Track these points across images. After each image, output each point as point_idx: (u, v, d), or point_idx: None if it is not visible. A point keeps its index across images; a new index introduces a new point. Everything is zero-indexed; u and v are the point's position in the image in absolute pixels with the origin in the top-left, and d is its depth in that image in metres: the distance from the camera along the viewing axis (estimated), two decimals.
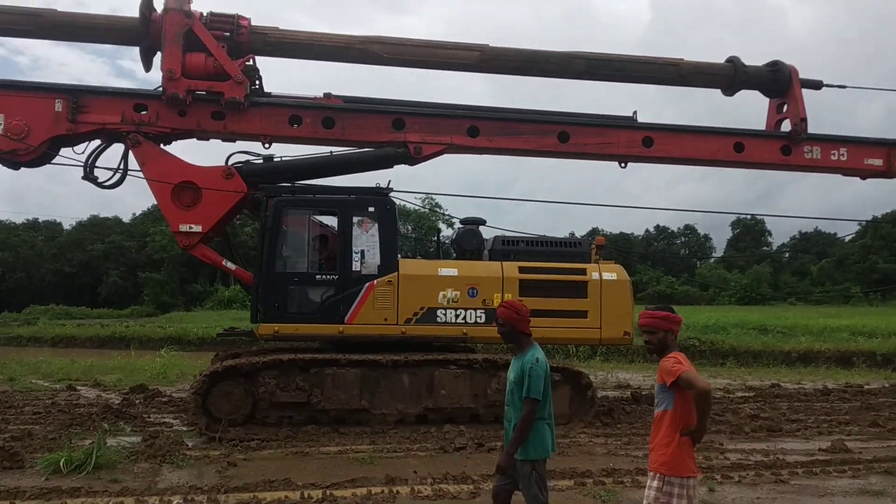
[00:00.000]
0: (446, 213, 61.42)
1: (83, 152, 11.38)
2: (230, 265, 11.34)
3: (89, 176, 11.43)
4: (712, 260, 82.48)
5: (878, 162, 12.88)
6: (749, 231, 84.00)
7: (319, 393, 10.09)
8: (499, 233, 11.93)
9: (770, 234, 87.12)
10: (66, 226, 76.32)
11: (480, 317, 10.78)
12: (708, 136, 12.48)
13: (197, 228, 10.99)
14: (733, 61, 12.79)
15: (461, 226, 11.87)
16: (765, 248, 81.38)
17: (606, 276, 11.19)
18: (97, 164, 11.46)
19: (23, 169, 11.48)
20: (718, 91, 13.10)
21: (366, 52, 11.94)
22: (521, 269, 11.05)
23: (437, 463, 8.70)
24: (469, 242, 11.50)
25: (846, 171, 13.08)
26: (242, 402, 10.01)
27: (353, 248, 10.59)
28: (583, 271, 11.19)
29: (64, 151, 11.24)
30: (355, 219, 10.67)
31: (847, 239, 74.84)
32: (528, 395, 4.96)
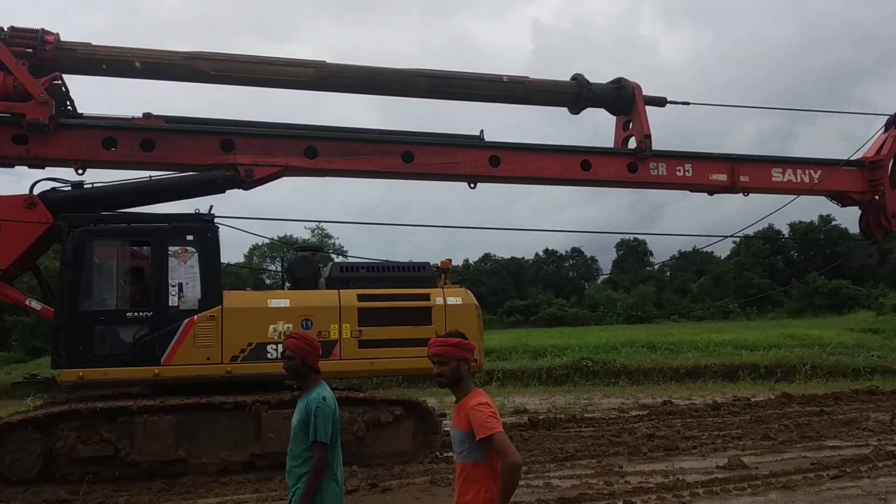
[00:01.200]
0: (339, 245, 60.19)
1: None
2: (35, 304, 10.12)
3: None
4: (599, 281, 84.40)
5: (722, 177, 12.96)
6: (632, 252, 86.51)
7: (128, 444, 9.01)
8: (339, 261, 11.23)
9: (652, 255, 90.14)
10: None
11: None
12: (555, 155, 12.23)
13: None
14: (577, 79, 12.64)
15: (295, 253, 11.09)
16: (647, 267, 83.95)
17: (451, 300, 10.63)
18: None
19: None
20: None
21: (190, 70, 11.10)
22: (361, 297, 10.36)
23: None
24: (303, 270, 10.72)
25: (693, 186, 13.11)
26: (35, 459, 8.81)
27: (170, 282, 9.62)
28: (426, 296, 10.61)
29: None
30: (171, 249, 9.72)
31: (723, 257, 78.07)
32: (314, 440, 4.23)
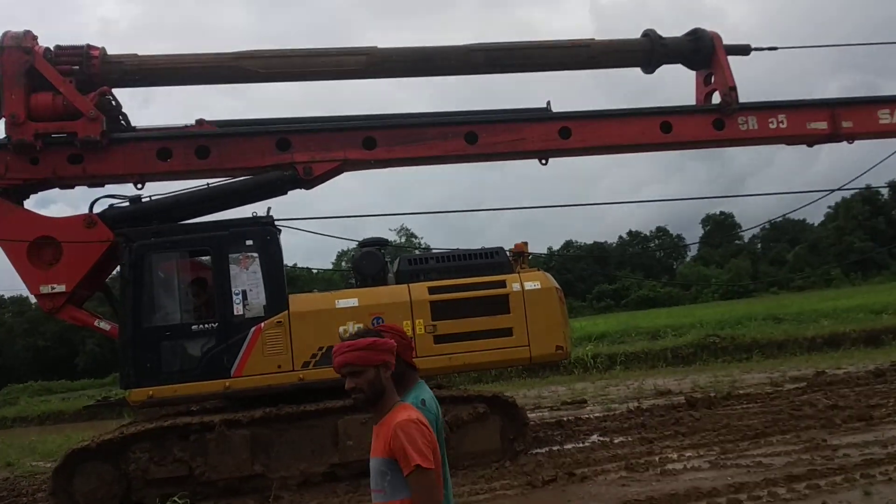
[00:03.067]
0: (425, 244, 59.94)
1: None
2: (104, 325, 9.89)
3: None
4: (689, 258, 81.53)
5: (822, 125, 11.66)
6: (719, 226, 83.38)
7: (203, 462, 8.63)
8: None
9: (740, 227, 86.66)
10: (33, 300, 74.26)
11: None
12: (631, 119, 11.26)
13: (60, 288, 9.61)
14: (648, 35, 11.63)
15: (360, 249, 10.54)
16: (737, 241, 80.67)
17: (529, 285, 9.87)
18: None
19: None
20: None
21: (239, 70, 10.69)
22: (432, 290, 9.72)
23: None
24: (369, 266, 10.13)
25: (789, 138, 11.87)
26: (113, 485, 8.53)
27: (233, 290, 9.22)
28: (502, 283, 9.88)
29: None
30: (232, 255, 9.31)
31: (817, 224, 74.15)
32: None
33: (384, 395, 3.11)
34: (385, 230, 58.97)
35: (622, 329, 28.25)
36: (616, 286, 68.65)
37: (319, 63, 10.88)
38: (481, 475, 9.04)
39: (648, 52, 11.50)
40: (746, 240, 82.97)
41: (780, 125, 11.57)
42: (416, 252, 10.76)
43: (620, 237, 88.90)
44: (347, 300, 9.59)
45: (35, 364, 64.86)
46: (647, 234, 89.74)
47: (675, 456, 9.24)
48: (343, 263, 60.23)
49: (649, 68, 11.79)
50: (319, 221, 11.89)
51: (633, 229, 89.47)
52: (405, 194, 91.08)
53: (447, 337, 9.56)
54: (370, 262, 10.16)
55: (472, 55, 11.05)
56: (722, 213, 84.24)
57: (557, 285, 10.16)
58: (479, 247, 10.76)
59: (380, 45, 11.04)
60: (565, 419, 13.16)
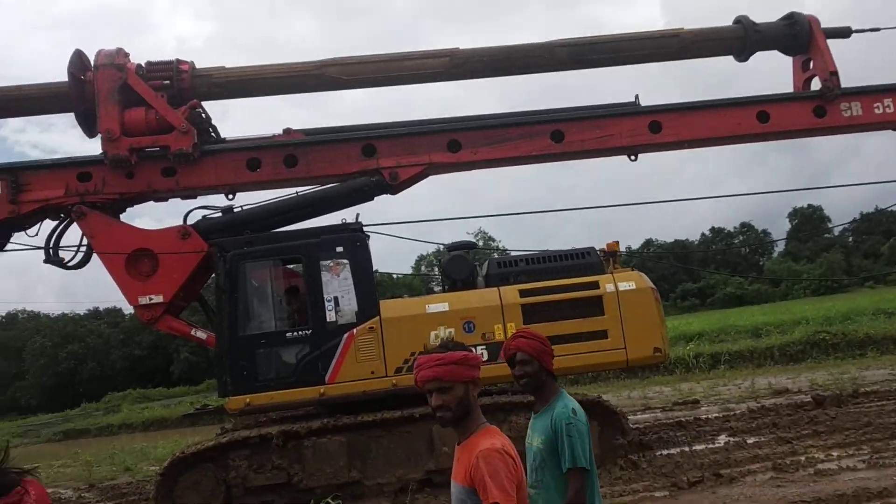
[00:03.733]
0: (503, 247, 59.70)
1: (36, 234, 10.44)
2: (200, 334, 10.09)
3: (52, 258, 10.42)
4: (776, 254, 78.55)
5: None
6: (807, 220, 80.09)
7: (301, 470, 8.65)
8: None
9: (830, 220, 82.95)
10: (127, 310, 77.36)
11: (482, 354, 9.22)
12: (725, 110, 10.81)
13: (158, 299, 9.82)
14: (742, 21, 11.15)
15: (448, 253, 10.41)
16: (826, 234, 77.20)
17: (624, 285, 9.55)
18: (63, 243, 10.54)
19: None
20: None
21: (323, 78, 10.75)
22: (523, 293, 9.51)
23: None
24: (458, 270, 9.99)
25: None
26: (214, 492, 8.64)
27: (325, 297, 9.23)
28: (595, 284, 9.59)
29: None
30: (323, 263, 9.33)
31: None
32: (573, 465, 3.35)
33: (470, 414, 2.88)
34: (460, 234, 59.00)
35: (718, 328, 27.55)
36: (701, 284, 66.79)
37: (402, 67, 10.84)
38: (618, 476, 8.94)
39: (742, 39, 11.03)
40: (837, 233, 79.60)
41: (887, 110, 10.91)
42: (501, 254, 10.52)
43: (703, 234, 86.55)
44: (438, 305, 9.48)
45: (131, 373, 67.43)
46: (731, 230, 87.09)
47: (821, 456, 8.99)
48: (423, 268, 60.56)
49: (743, 56, 11.31)
50: (395, 227, 11.79)
51: (716, 225, 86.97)
52: (476, 197, 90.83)
53: None
54: (459, 265, 10.02)
55: (557, 51, 10.81)
56: (810, 205, 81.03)
57: (653, 285, 9.81)
58: (557, 248, 10.54)
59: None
60: (684, 420, 12.89)
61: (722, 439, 11.05)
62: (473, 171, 11.52)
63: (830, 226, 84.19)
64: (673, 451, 10.42)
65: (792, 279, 61.28)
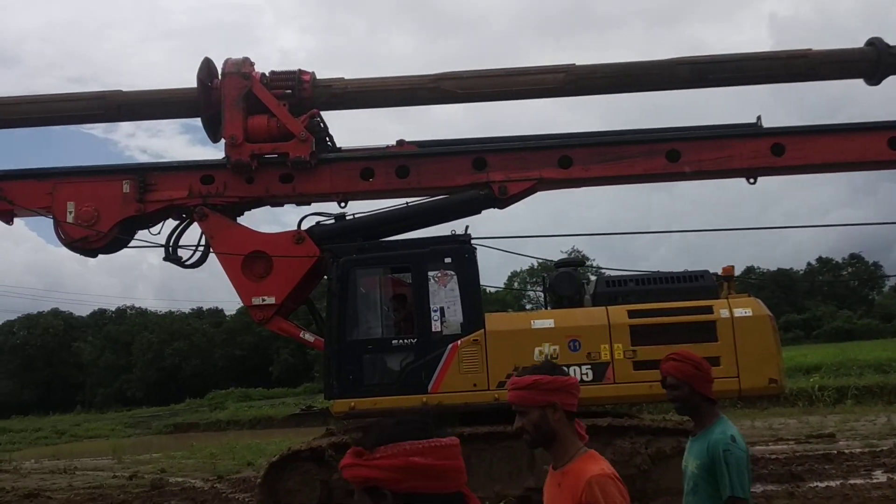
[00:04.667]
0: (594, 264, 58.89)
1: (159, 233, 10.97)
2: (308, 337, 10.35)
3: (171, 256, 10.94)
4: (886, 288, 74.39)
5: None
6: None
7: None
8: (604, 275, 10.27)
9: None
10: (228, 311, 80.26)
11: (587, 374, 9.11)
12: (853, 135, 10.33)
13: (270, 300, 10.14)
14: (874, 44, 10.65)
15: (556, 270, 10.31)
16: None
17: (739, 312, 9.21)
18: (180, 242, 11.04)
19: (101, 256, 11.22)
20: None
21: (438, 91, 10.87)
22: (632, 314, 9.31)
23: None
24: (565, 287, 9.88)
25: None
26: (314, 492, 8.80)
27: (432, 307, 9.30)
28: (709, 309, 9.28)
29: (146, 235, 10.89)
30: (431, 273, 9.41)
31: None
32: (731, 494, 3.32)
33: (556, 439, 2.78)
34: (549, 255, 58.45)
35: (837, 361, 26.67)
36: (806, 316, 63.95)
37: (518, 82, 10.86)
38: None
39: (874, 61, 10.52)
40: None
41: None
42: (614, 274, 10.32)
43: (809, 263, 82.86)
44: (543, 321, 9.39)
45: (232, 372, 69.78)
46: (840, 261, 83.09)
47: None
48: (515, 284, 60.33)
49: (874, 80, 10.78)
50: (499, 241, 11.71)
51: (825, 255, 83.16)
52: (565, 217, 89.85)
53: (648, 364, 9.10)
54: (567, 282, 9.91)
55: (678, 69, 10.58)
56: None
57: (770, 313, 9.42)
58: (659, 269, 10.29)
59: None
60: (826, 452, 12.57)
61: (879, 475, 10.73)
62: (561, 191, 11.43)
63: None
64: (830, 483, 10.27)
65: None
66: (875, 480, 10.26)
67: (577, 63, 10.83)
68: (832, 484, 10.17)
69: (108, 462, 20.08)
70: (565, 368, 8.99)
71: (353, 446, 1.73)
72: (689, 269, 9.99)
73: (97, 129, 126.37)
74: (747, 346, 9.02)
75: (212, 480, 14.05)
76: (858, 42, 10.80)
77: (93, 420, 47.40)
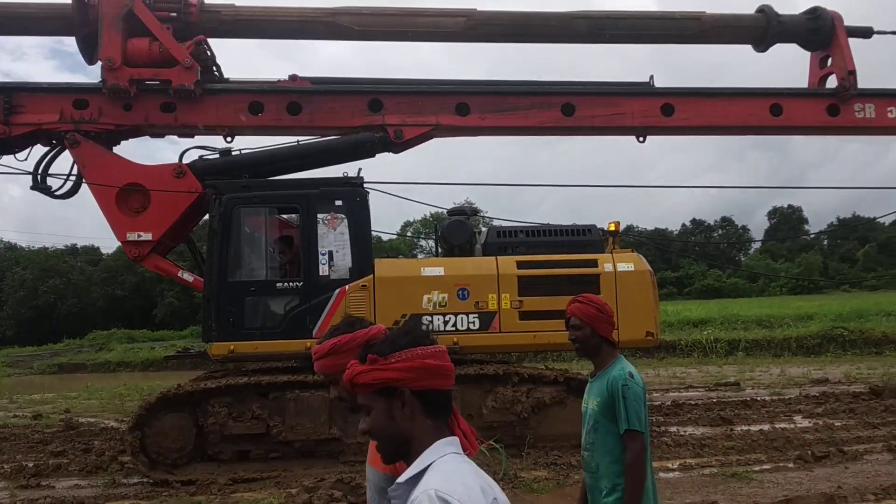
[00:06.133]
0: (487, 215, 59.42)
1: (26, 159, 10.12)
2: (187, 276, 9.89)
3: (40, 185, 10.13)
4: (752, 250, 79.55)
5: None
6: (786, 219, 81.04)
7: (280, 422, 8.53)
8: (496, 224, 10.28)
9: (808, 222, 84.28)
10: (105, 249, 76.38)
11: (473, 322, 9.14)
12: (739, 99, 10.65)
13: (147, 236, 9.59)
14: (764, 11, 10.96)
15: (448, 218, 10.24)
16: (804, 237, 78.35)
17: (622, 266, 9.45)
18: (50, 171, 10.23)
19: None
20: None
21: (334, 26, 10.42)
22: (521, 265, 9.38)
23: None
24: (457, 236, 9.84)
25: None
26: (186, 437, 8.49)
27: (320, 250, 9.04)
28: (594, 262, 9.48)
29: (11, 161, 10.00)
30: (320, 215, 9.13)
31: (887, 223, 70.87)
32: (628, 427, 3.38)
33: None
34: (442, 204, 58.60)
35: (723, 316, 28.81)
36: (679, 274, 67.35)
37: (417, 23, 10.55)
38: (730, 447, 9.35)
39: (763, 28, 10.85)
40: (811, 236, 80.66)
41: None
42: (505, 224, 10.34)
43: (683, 224, 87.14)
44: (433, 269, 9.33)
45: (111, 312, 66.74)
46: (712, 223, 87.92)
47: None
48: (409, 232, 60.22)
49: (762, 46, 11.13)
50: (390, 186, 11.49)
51: (698, 217, 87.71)
52: (454, 167, 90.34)
53: (533, 314, 9.24)
54: (459, 231, 9.87)
55: (576, 23, 10.56)
56: (790, 206, 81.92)
57: (651, 269, 9.71)
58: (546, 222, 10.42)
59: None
60: (741, 400, 13.26)
61: (801, 420, 11.40)
62: (446, 141, 11.35)
63: (812, 232, 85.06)
64: (762, 427, 10.82)
65: (770, 276, 62.00)
66: (801, 425, 10.87)
67: (479, 9, 10.64)
68: (763, 427, 10.71)
69: None
70: (453, 316, 9.04)
71: (366, 355, 1.94)
72: (577, 224, 10.12)
73: None
74: (628, 300, 9.28)
75: (126, 421, 13.51)
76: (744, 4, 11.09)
77: None
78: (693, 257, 71.10)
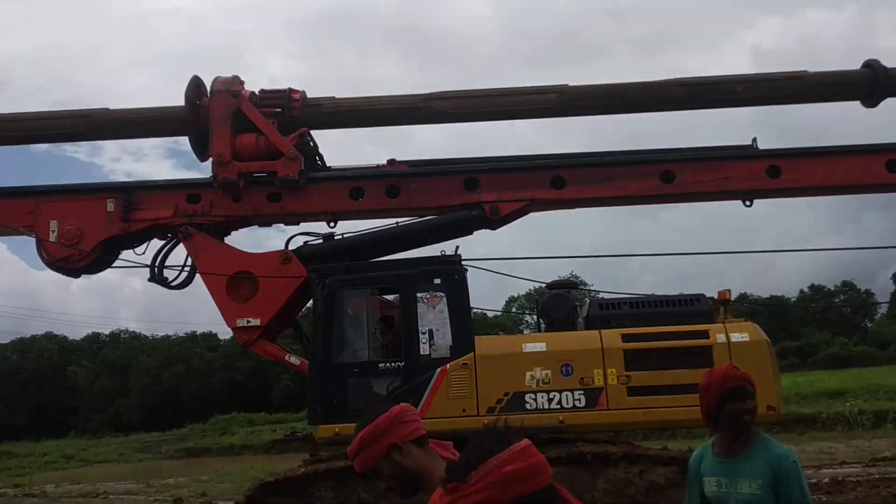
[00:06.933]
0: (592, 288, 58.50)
1: (143, 253, 10.74)
2: (293, 360, 10.08)
3: (157, 277, 10.71)
4: (878, 315, 74.40)
5: None
6: None
7: None
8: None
9: None
10: (222, 336, 79.54)
11: (579, 399, 8.83)
12: (850, 157, 10.16)
13: (255, 322, 9.89)
14: (871, 65, 10.52)
15: (548, 292, 10.08)
16: None
17: (736, 337, 8.96)
18: (166, 263, 10.81)
19: (84, 276, 11.02)
20: None
21: (429, 111, 10.73)
22: (626, 338, 9.06)
23: None
24: (558, 310, 9.63)
25: None
26: None
27: (420, 329, 9.05)
28: (705, 333, 9.04)
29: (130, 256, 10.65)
30: (420, 294, 9.17)
31: None
32: None
33: (422, 476, 2.48)
34: (543, 278, 57.97)
35: (859, 386, 27.23)
36: (801, 343, 63.78)
37: (510, 102, 10.71)
38: None
39: (871, 84, 10.39)
40: None
41: None
42: (607, 296, 10.10)
43: (801, 291, 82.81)
44: (535, 344, 9.14)
45: (230, 397, 69.01)
46: (832, 288, 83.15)
47: None
48: (513, 308, 59.90)
49: (870, 101, 10.64)
50: (492, 263, 11.46)
51: (816, 283, 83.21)
52: (554, 243, 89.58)
53: (642, 389, 8.85)
54: (559, 304, 9.67)
55: (672, 91, 10.45)
56: None
57: (767, 338, 9.18)
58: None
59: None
60: None
61: None
62: (545, 216, 11.28)
63: None
64: None
65: None
66: None
67: (571, 84, 10.71)
68: None
69: (136, 486, 20.04)
70: (558, 394, 8.77)
71: (444, 485, 1.84)
72: (684, 293, 9.75)
73: (81, 153, 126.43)
74: None
75: None
76: None
77: (91, 445, 46.99)
78: (815, 325, 67.24)
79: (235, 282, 10.01)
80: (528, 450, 1.85)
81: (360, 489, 8.52)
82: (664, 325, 9.21)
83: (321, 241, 10.29)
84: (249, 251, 10.39)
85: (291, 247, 10.29)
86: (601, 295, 10.24)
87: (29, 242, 10.42)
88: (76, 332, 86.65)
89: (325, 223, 10.52)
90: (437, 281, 9.25)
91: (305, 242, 10.31)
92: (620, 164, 10.39)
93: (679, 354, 8.90)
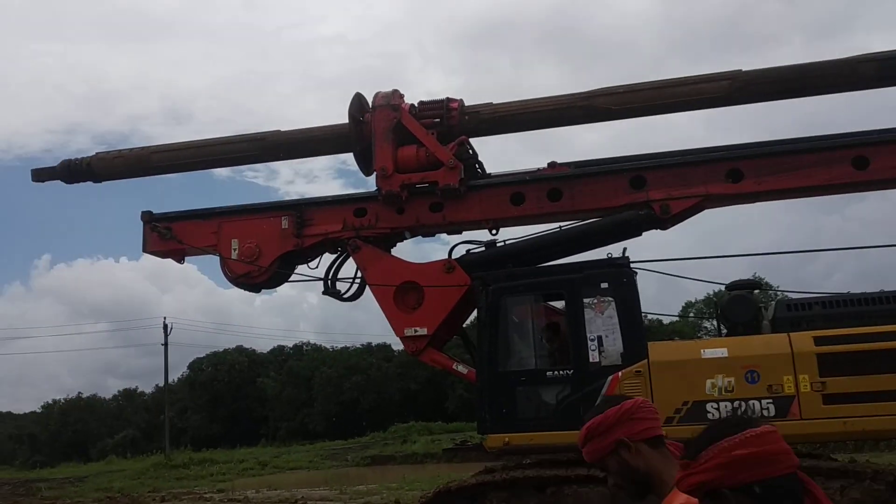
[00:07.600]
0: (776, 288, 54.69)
1: (316, 267, 11.16)
2: (461, 368, 10.03)
3: (330, 290, 11.09)
4: None
5: None
6: None
7: None
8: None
9: None
10: (396, 346, 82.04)
11: (768, 408, 8.09)
12: None
13: (422, 331, 9.95)
14: None
15: (728, 293, 9.36)
16: None
17: None
18: (338, 276, 11.18)
19: (264, 291, 11.58)
20: None
21: (591, 109, 10.36)
22: (819, 340, 8.21)
23: None
24: (739, 313, 8.90)
25: None
26: None
27: (588, 336, 8.68)
28: None
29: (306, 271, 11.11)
30: (587, 300, 8.81)
31: None
32: None
33: (651, 476, 2.40)
34: (722, 280, 54.59)
35: None
36: None
37: (677, 93, 10.11)
38: None
39: None
40: None
41: None
42: (796, 297, 9.25)
43: None
44: (715, 350, 8.49)
45: (407, 406, 71.15)
46: None
47: None
48: (691, 313, 57.22)
49: None
50: (662, 265, 10.85)
51: None
52: (727, 244, 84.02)
53: (841, 397, 7.98)
54: (742, 307, 8.95)
55: (861, 67, 9.44)
56: None
57: None
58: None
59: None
60: None
61: None
62: (724, 212, 10.52)
63: None
64: None
65: None
66: None
67: (744, 69, 9.96)
68: None
69: (330, 493, 21.12)
70: (743, 403, 8.09)
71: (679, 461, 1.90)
72: (885, 290, 8.73)
73: (259, 178, 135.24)
74: None
75: None
76: None
77: (283, 453, 49.93)
78: None
79: (402, 292, 10.14)
80: (765, 437, 1.83)
81: (531, 501, 8.28)
82: (862, 327, 8.27)
83: (483, 248, 10.20)
84: (414, 262, 10.49)
85: (454, 255, 10.28)
86: (788, 295, 9.35)
87: (215, 263, 11.14)
88: (262, 346, 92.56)
89: (486, 231, 10.46)
90: (605, 285, 8.85)
91: (468, 251, 10.26)
92: (804, 151, 9.51)
93: (882, 358, 7.96)
